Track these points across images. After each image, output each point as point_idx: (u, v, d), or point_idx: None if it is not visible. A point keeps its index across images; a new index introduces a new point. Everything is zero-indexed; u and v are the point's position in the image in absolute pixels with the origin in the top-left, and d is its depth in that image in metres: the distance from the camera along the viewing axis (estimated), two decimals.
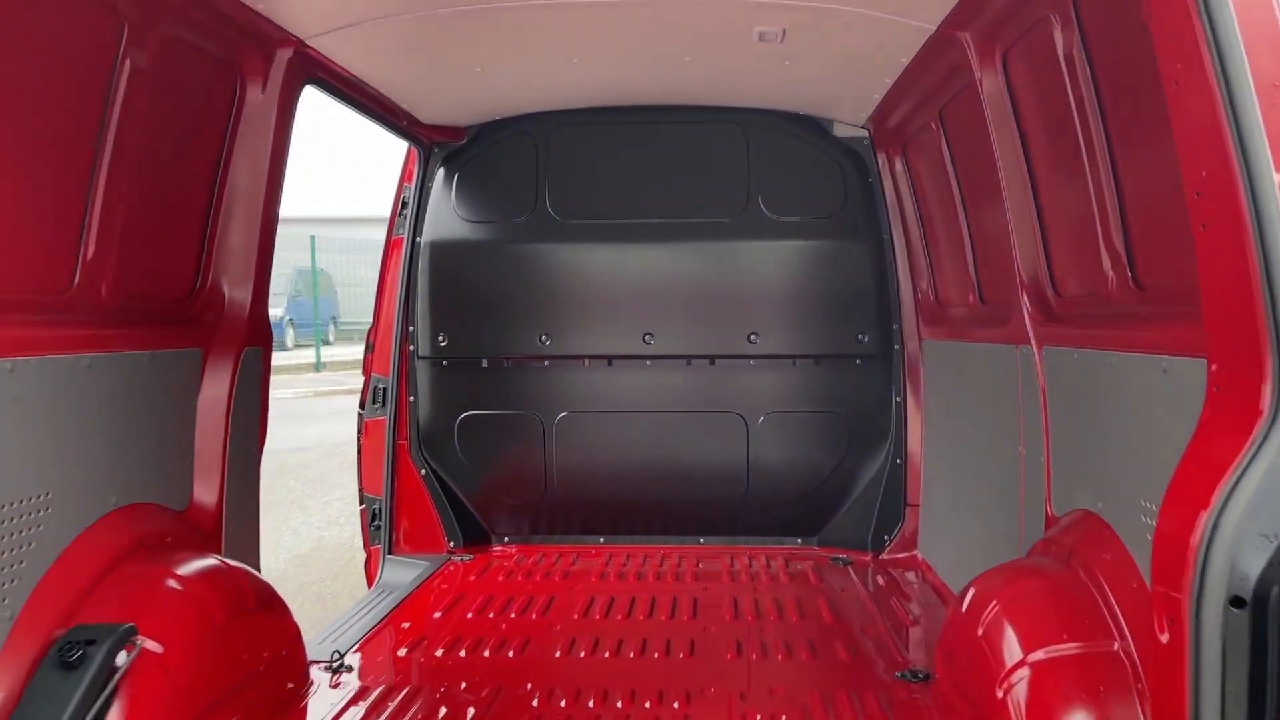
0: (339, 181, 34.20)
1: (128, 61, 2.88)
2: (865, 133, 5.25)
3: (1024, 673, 2.55)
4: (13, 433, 2.52)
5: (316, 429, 14.18)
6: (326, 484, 11.25)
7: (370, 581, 5.35)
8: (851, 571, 5.05)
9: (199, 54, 3.27)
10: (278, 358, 28.65)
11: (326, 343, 28.18)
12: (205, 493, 3.43)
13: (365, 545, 5.45)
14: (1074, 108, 2.91)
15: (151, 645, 2.64)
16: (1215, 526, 1.66)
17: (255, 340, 3.68)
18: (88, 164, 2.84)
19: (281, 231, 3.71)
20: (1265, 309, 1.68)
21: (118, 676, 2.49)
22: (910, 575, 4.96)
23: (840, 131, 5.30)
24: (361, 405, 5.46)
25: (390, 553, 5.35)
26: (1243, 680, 1.60)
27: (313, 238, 25.71)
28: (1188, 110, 1.91)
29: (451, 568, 5.21)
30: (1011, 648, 2.65)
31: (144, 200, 3.11)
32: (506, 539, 5.56)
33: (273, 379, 3.83)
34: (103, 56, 2.82)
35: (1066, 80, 2.92)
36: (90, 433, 2.87)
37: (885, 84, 4.49)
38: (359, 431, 5.48)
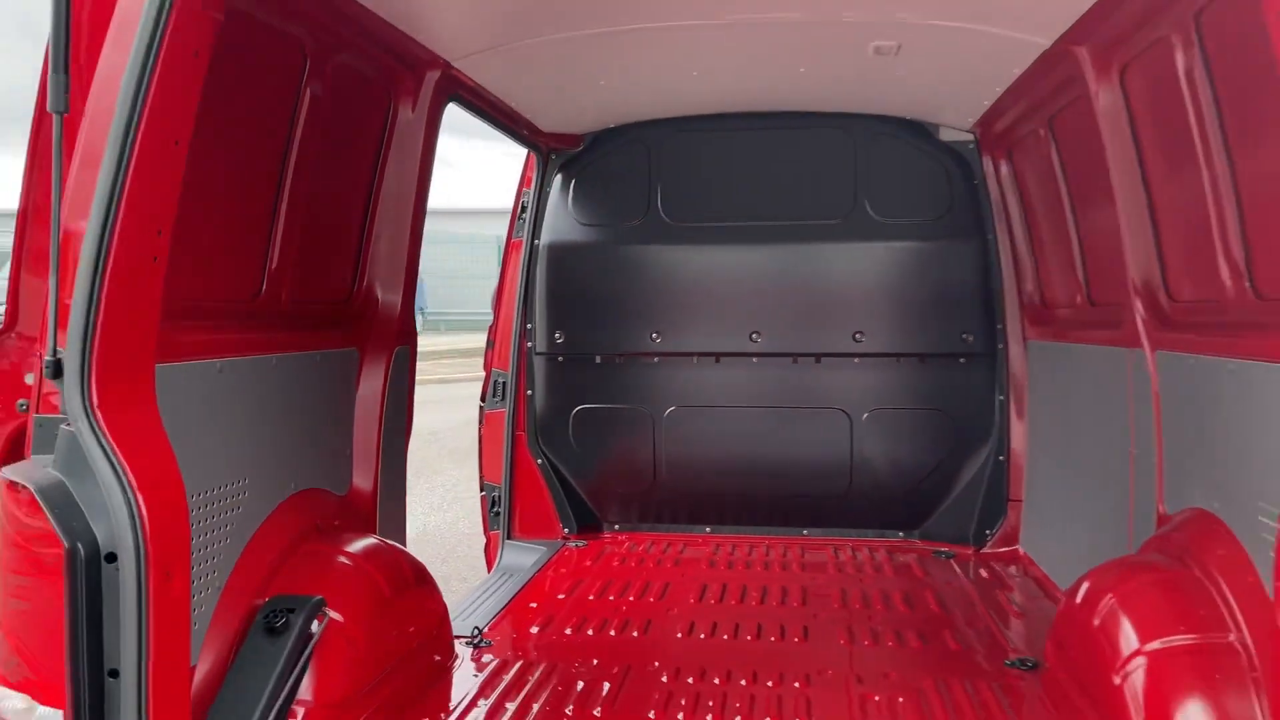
0: None
1: (308, 90, 3.19)
2: (971, 136, 5.36)
3: (1141, 661, 2.71)
4: (223, 425, 2.84)
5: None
6: (426, 471, 11.67)
7: (490, 565, 5.66)
8: (954, 565, 5.19)
9: (361, 79, 3.57)
10: None
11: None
12: (362, 479, 3.75)
13: (485, 530, 5.76)
14: (1192, 120, 3.02)
15: (335, 616, 2.94)
16: None
17: (404, 340, 3.98)
18: (274, 185, 3.16)
19: None
20: None
21: (312, 643, 2.80)
22: (1012, 569, 5.09)
23: (946, 136, 5.42)
24: (482, 398, 5.77)
25: (509, 537, 5.65)
26: None
27: None
28: None
29: (567, 552, 5.48)
30: (1128, 638, 2.80)
31: (314, 215, 3.43)
32: (617, 526, 5.83)
33: None
34: (289, 87, 3.13)
35: (1186, 94, 3.03)
36: (275, 425, 3.19)
37: (995, 92, 4.61)
38: (480, 423, 5.79)
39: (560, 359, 5.72)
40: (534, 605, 4.56)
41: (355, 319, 3.80)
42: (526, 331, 5.68)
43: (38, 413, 2.21)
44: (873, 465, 5.56)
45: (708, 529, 5.76)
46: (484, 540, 5.82)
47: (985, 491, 5.46)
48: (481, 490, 5.81)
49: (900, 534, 5.64)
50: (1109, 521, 3.93)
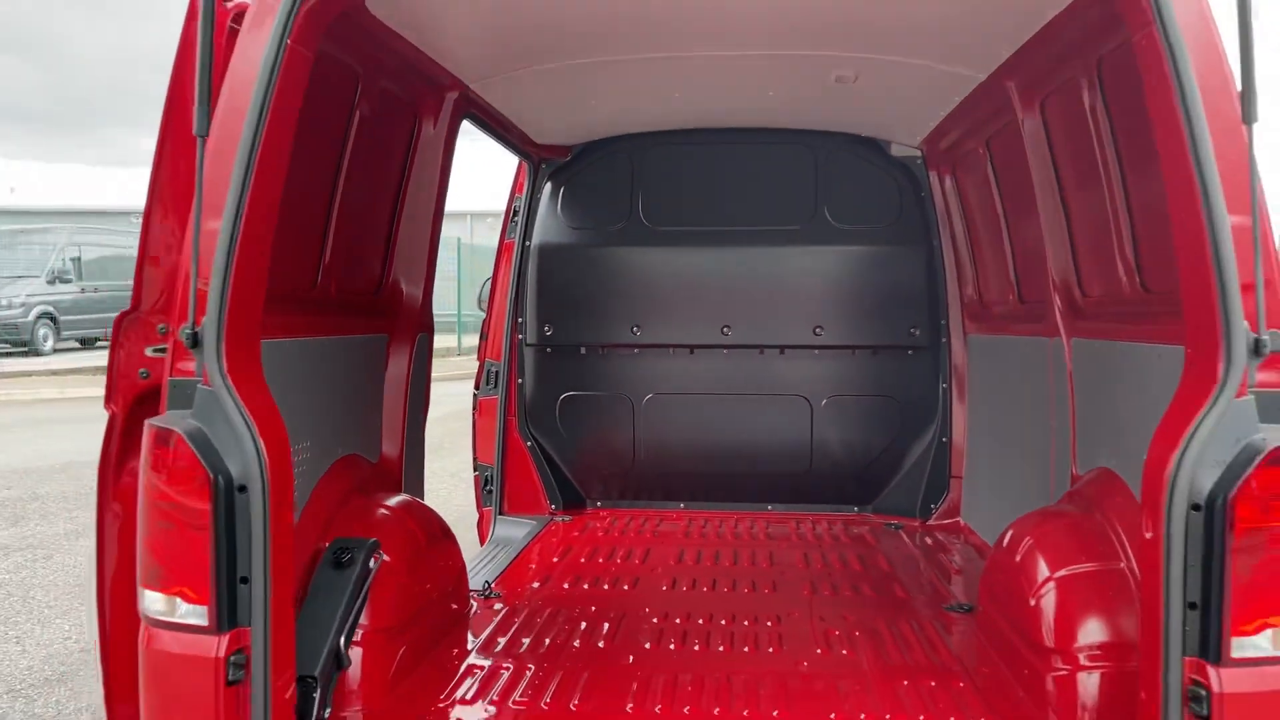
0: None
1: (357, 112, 3.73)
2: (919, 153, 6.01)
3: (1051, 585, 3.34)
4: (294, 393, 3.37)
5: None
6: None
7: (482, 538, 6.18)
8: (903, 534, 5.83)
9: (395, 100, 4.11)
10: None
11: None
12: (390, 448, 4.28)
13: (478, 507, 6.30)
14: (1095, 145, 3.67)
15: (385, 558, 3.48)
16: (1182, 458, 2.45)
17: (424, 328, 4.52)
18: (329, 191, 3.69)
19: None
20: (1219, 309, 2.46)
21: (370, 577, 3.33)
22: (954, 537, 5.73)
23: (897, 152, 6.07)
24: (477, 386, 6.30)
25: (500, 513, 6.19)
26: (1198, 556, 2.40)
27: None
28: (1172, 167, 2.68)
29: (554, 526, 6.03)
30: (1041, 569, 3.43)
31: (355, 217, 3.96)
32: (599, 503, 6.39)
33: None
34: (344, 111, 3.66)
35: (1090, 124, 3.68)
36: (326, 397, 3.72)
37: (940, 115, 5.26)
38: (474, 409, 6.33)
39: (549, 350, 6.28)
40: (532, 567, 5.12)
41: (384, 309, 4.33)
42: (518, 325, 6.22)
43: (171, 376, 2.73)
44: (830, 447, 6.18)
45: (682, 505, 6.34)
46: (476, 517, 6.34)
47: (930, 470, 6.10)
48: (475, 470, 6.34)
49: (854, 508, 6.27)
50: (1034, 489, 4.57)
